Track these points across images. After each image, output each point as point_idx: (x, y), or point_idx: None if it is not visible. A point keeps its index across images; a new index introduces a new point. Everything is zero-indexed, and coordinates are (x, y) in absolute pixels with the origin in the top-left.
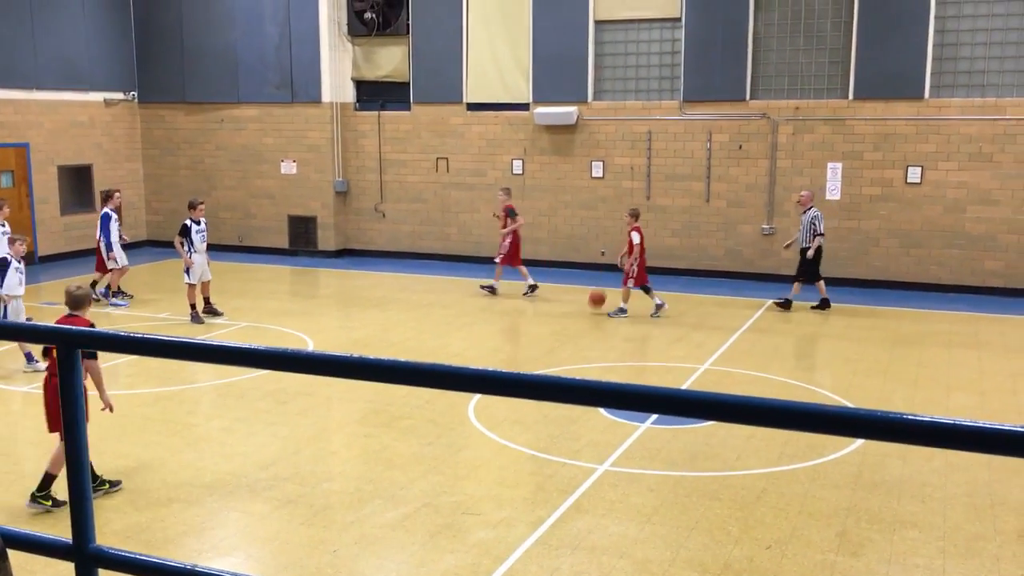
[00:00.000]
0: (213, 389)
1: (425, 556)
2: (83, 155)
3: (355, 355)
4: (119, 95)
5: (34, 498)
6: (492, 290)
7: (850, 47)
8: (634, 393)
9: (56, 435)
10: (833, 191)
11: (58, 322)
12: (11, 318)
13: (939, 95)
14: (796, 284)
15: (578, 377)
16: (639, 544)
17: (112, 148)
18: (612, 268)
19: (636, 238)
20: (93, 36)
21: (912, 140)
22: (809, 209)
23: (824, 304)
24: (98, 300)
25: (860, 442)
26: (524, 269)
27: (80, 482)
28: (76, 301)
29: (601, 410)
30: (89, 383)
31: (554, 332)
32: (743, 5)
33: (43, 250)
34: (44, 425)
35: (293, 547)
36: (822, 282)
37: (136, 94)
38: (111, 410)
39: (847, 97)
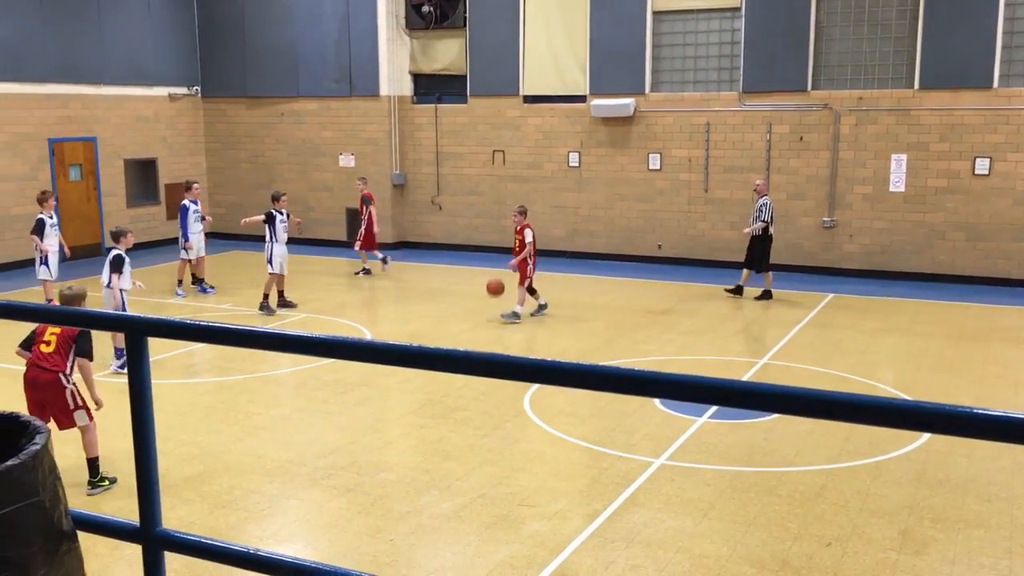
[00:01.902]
0: (274, 379)
1: (481, 547)
2: (148, 149)
3: (414, 344)
4: (183, 90)
5: (93, 484)
6: (367, 272)
7: (915, 35)
8: (694, 384)
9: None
10: (897, 183)
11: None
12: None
13: (1009, 84)
14: (745, 272)
15: (637, 368)
16: (696, 539)
17: (176, 142)
18: (668, 261)
19: (530, 236)
20: (158, 32)
21: (980, 130)
22: (762, 197)
23: (766, 295)
24: (206, 292)
25: (924, 439)
26: (364, 254)
27: (147, 467)
28: (67, 301)
29: (657, 403)
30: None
31: (610, 325)
32: None
33: (110, 241)
34: (107, 411)
35: (351, 535)
36: (770, 273)
37: (199, 89)
38: (100, 406)
39: (912, 87)
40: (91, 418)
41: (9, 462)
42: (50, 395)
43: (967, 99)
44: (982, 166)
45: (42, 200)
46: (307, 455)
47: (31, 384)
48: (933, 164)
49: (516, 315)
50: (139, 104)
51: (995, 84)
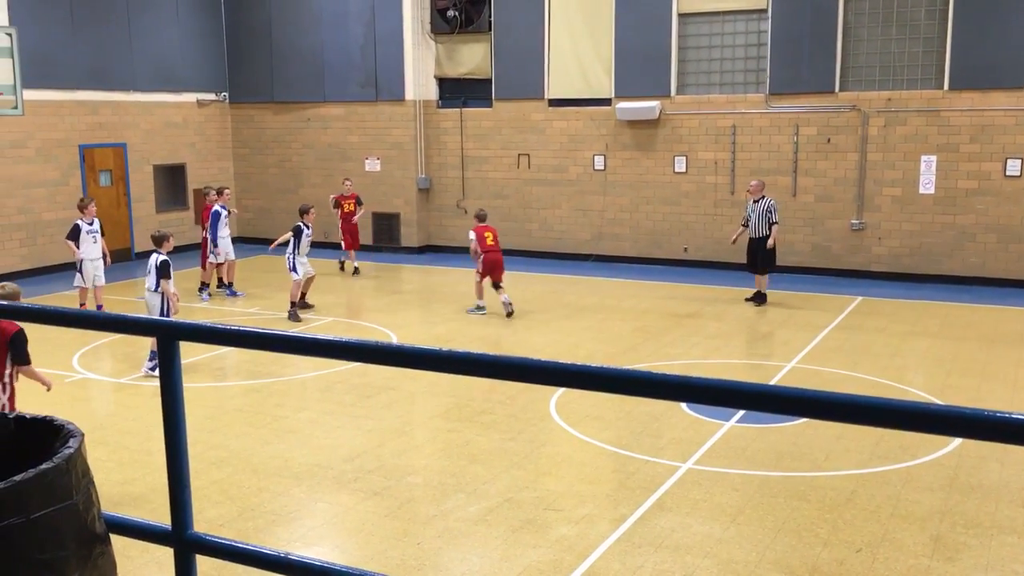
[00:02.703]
0: (301, 383)
1: (507, 551)
2: (177, 154)
3: (442, 348)
4: (211, 96)
5: None
6: (356, 270)
7: (945, 35)
8: (722, 388)
9: None
10: (927, 185)
11: None
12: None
13: None
14: (758, 278)
15: (664, 372)
16: (724, 544)
17: (204, 148)
18: (694, 264)
19: (471, 236)
20: (186, 39)
21: (1011, 131)
22: (761, 199)
23: (760, 298)
24: (235, 296)
25: (955, 444)
26: (353, 253)
27: (179, 470)
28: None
29: (684, 407)
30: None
31: (636, 329)
32: None
33: (139, 246)
34: (139, 414)
35: (378, 539)
36: (767, 276)
37: (227, 95)
38: (49, 387)
39: (942, 87)
40: None
41: (43, 466)
42: None
43: (998, 100)
44: (1013, 167)
45: (82, 207)
46: (334, 459)
47: None
48: (963, 165)
49: (479, 308)
50: (168, 110)
51: None
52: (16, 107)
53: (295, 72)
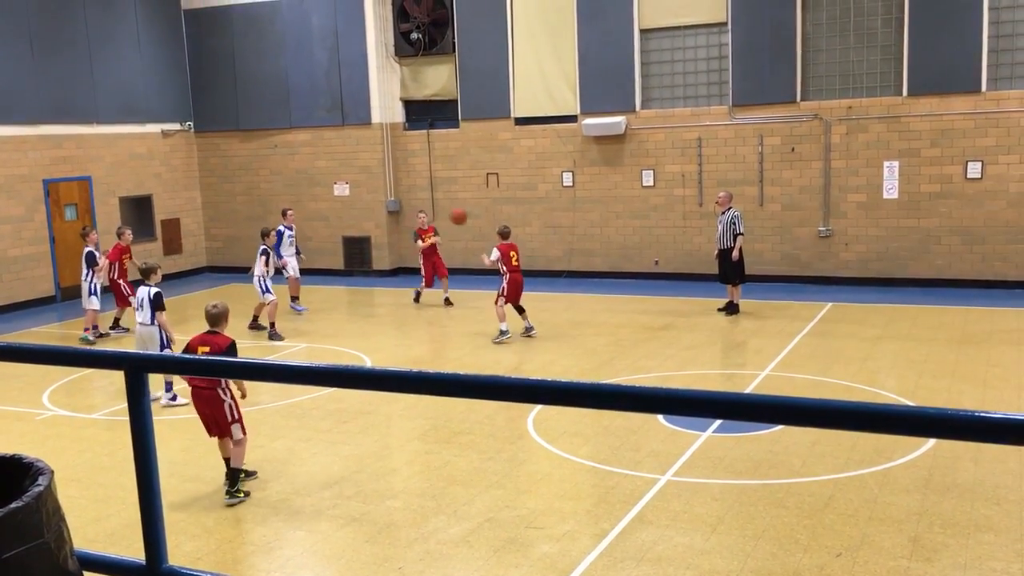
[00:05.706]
0: (275, 410)
1: (490, 571)
2: (143, 186)
3: (418, 370)
4: (176, 126)
5: (230, 494)
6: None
7: (902, 42)
8: (699, 399)
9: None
10: (891, 190)
11: (196, 338)
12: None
13: (996, 87)
14: (729, 288)
15: (641, 385)
16: (705, 554)
17: (171, 178)
18: (665, 277)
19: (494, 255)
20: (149, 70)
21: (971, 134)
22: (728, 210)
23: (732, 308)
24: (299, 312)
25: (929, 445)
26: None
27: (151, 503)
28: (213, 319)
29: (661, 419)
30: None
31: (610, 343)
32: (790, 6)
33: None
34: (112, 449)
35: (359, 565)
36: (740, 287)
37: (192, 124)
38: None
39: (901, 94)
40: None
41: (12, 504)
42: (204, 411)
43: (956, 104)
44: (974, 170)
45: (87, 234)
46: (312, 486)
47: (199, 400)
48: (925, 170)
49: (504, 333)
50: (133, 142)
51: (983, 88)
52: None
53: (260, 99)
